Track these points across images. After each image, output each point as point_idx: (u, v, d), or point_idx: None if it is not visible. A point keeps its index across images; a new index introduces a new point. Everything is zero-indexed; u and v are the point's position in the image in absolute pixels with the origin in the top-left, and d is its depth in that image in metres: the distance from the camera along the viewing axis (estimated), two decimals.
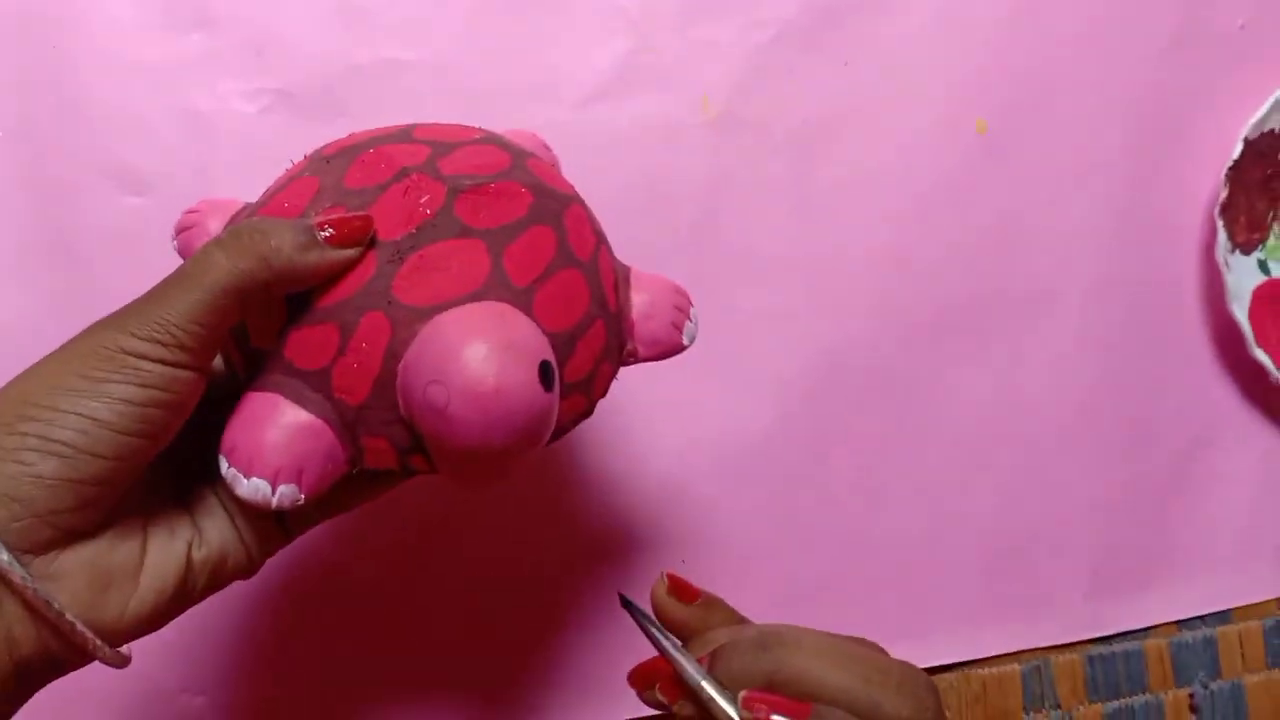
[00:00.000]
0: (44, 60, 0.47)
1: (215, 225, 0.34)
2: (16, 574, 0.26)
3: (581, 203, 0.35)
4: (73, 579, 0.27)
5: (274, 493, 0.29)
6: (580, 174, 0.44)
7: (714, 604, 0.33)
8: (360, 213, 0.30)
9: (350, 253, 0.30)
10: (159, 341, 0.27)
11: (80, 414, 0.26)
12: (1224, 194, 0.50)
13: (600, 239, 0.35)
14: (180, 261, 0.31)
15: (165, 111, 0.47)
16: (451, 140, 0.33)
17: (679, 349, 0.37)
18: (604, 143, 0.50)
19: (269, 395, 0.30)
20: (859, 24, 0.51)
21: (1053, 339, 0.52)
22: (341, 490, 0.32)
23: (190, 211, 0.35)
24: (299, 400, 0.30)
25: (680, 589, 0.33)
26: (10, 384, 0.28)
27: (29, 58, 0.47)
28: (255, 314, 0.30)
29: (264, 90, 0.48)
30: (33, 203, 0.47)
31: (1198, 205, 0.53)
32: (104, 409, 0.27)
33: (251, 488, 0.29)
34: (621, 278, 0.36)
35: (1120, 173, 0.52)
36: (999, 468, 0.51)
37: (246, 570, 0.32)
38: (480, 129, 0.35)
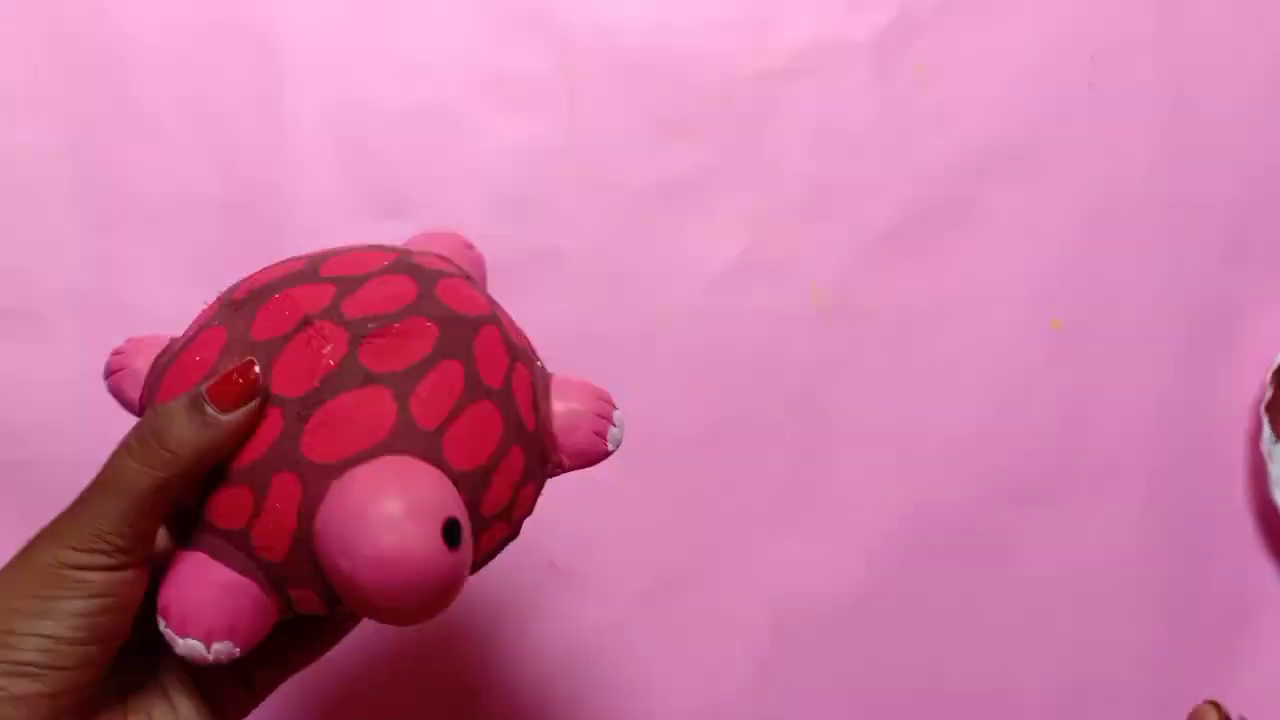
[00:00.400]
0: (253, 231, 0.56)
1: (141, 364, 0.35)
2: None
3: (495, 320, 0.35)
4: None
5: (209, 650, 0.30)
6: (702, 353, 0.52)
7: None
8: (246, 365, 0.30)
9: (243, 411, 0.30)
10: (98, 551, 0.29)
11: (38, 635, 0.28)
12: (1269, 393, 0.57)
13: (515, 355, 0.34)
14: (114, 402, 0.36)
15: None
16: (358, 274, 0.33)
17: (604, 456, 0.36)
18: (724, 326, 0.58)
19: (196, 554, 0.31)
20: (949, 229, 0.59)
21: (1114, 512, 0.59)
22: (294, 646, 0.35)
23: (117, 353, 0.36)
24: (224, 558, 0.30)
25: None
26: None
27: (240, 227, 0.56)
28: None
29: None
30: None
31: (1245, 401, 0.59)
32: (58, 626, 0.28)
33: (187, 647, 0.30)
34: (541, 391, 0.35)
35: (1178, 368, 0.59)
36: (1062, 624, 0.58)
37: None
38: (392, 252, 0.36)
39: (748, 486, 0.57)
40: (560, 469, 0.36)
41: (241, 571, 0.30)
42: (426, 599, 0.29)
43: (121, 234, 0.55)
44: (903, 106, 0.58)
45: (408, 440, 0.30)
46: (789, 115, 0.58)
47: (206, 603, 0.30)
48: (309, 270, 0.34)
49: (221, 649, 0.30)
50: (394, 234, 0.56)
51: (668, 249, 0.58)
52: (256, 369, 0.30)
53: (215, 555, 0.31)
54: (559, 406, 0.35)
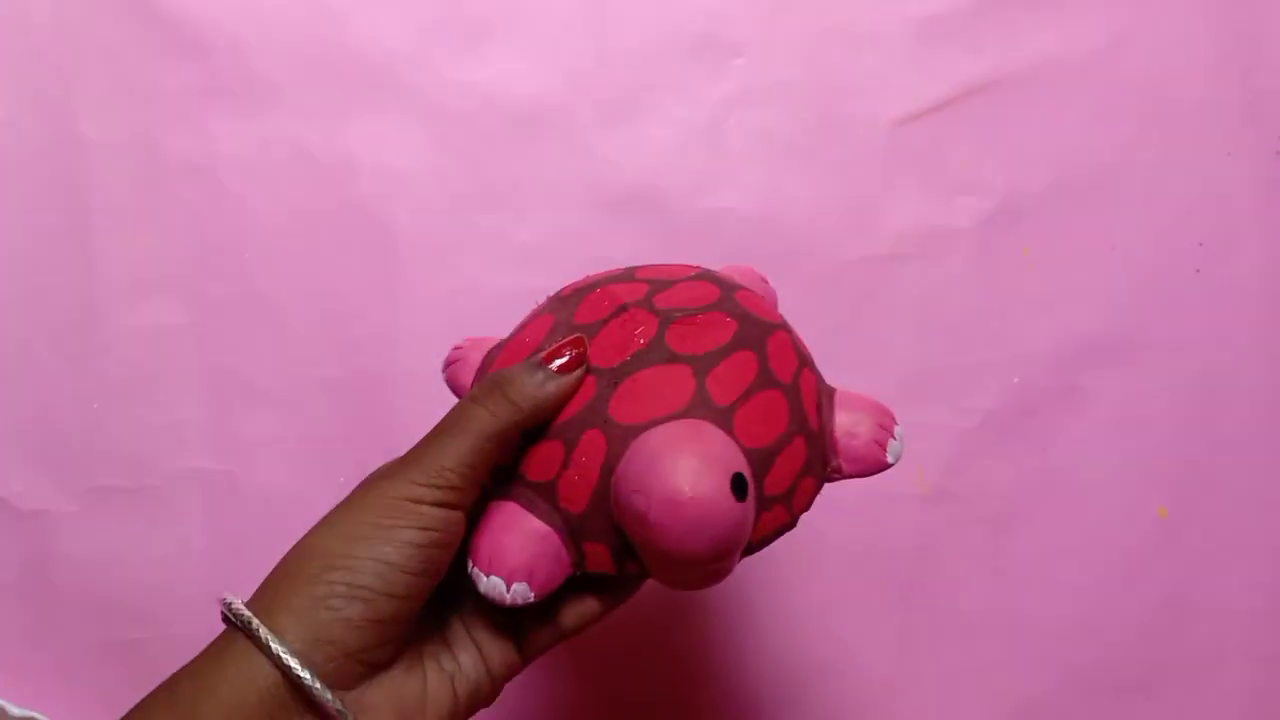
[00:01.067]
0: (380, 418, 0.57)
1: (476, 357, 0.40)
2: (336, 709, 0.30)
3: (787, 329, 0.38)
4: (379, 712, 0.31)
5: (509, 590, 0.32)
6: (804, 534, 0.53)
7: None
8: (579, 340, 0.35)
9: (578, 374, 0.34)
10: (435, 486, 0.31)
11: (376, 559, 0.30)
12: None
13: (804, 362, 0.37)
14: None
15: None
16: (669, 278, 0.38)
17: (883, 466, 0.37)
18: (827, 508, 0.58)
19: (508, 504, 0.34)
20: (1055, 414, 0.59)
21: (1217, 704, 0.58)
22: (570, 609, 0.36)
23: (456, 348, 0.42)
24: (532, 509, 0.34)
25: None
26: (306, 539, 0.32)
27: (355, 409, 0.57)
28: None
29: None
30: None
31: None
32: (395, 553, 0.30)
33: (490, 585, 0.32)
34: (825, 398, 0.37)
35: None
36: None
37: (489, 697, 0.35)
38: (698, 266, 0.40)
39: (847, 669, 0.57)
40: (840, 474, 0.37)
41: (546, 521, 0.34)
42: (712, 541, 0.30)
43: (241, 413, 0.57)
44: (1008, 291, 0.59)
45: (703, 411, 0.33)
46: (893, 299, 0.59)
47: (512, 546, 0.33)
48: (626, 274, 0.39)
49: (520, 590, 0.33)
50: None
51: None
52: (586, 341, 0.35)
53: (525, 505, 0.34)
54: (842, 416, 0.37)
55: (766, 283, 0.44)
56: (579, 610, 0.36)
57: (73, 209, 0.57)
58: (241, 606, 0.31)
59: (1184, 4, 0.59)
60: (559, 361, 0.34)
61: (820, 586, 0.58)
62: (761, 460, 0.33)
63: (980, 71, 0.60)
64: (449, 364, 0.41)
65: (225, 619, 0.31)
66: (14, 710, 0.52)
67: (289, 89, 0.58)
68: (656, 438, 0.32)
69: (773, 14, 0.60)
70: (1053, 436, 0.59)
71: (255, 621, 0.30)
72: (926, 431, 0.58)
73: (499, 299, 0.58)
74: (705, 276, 0.38)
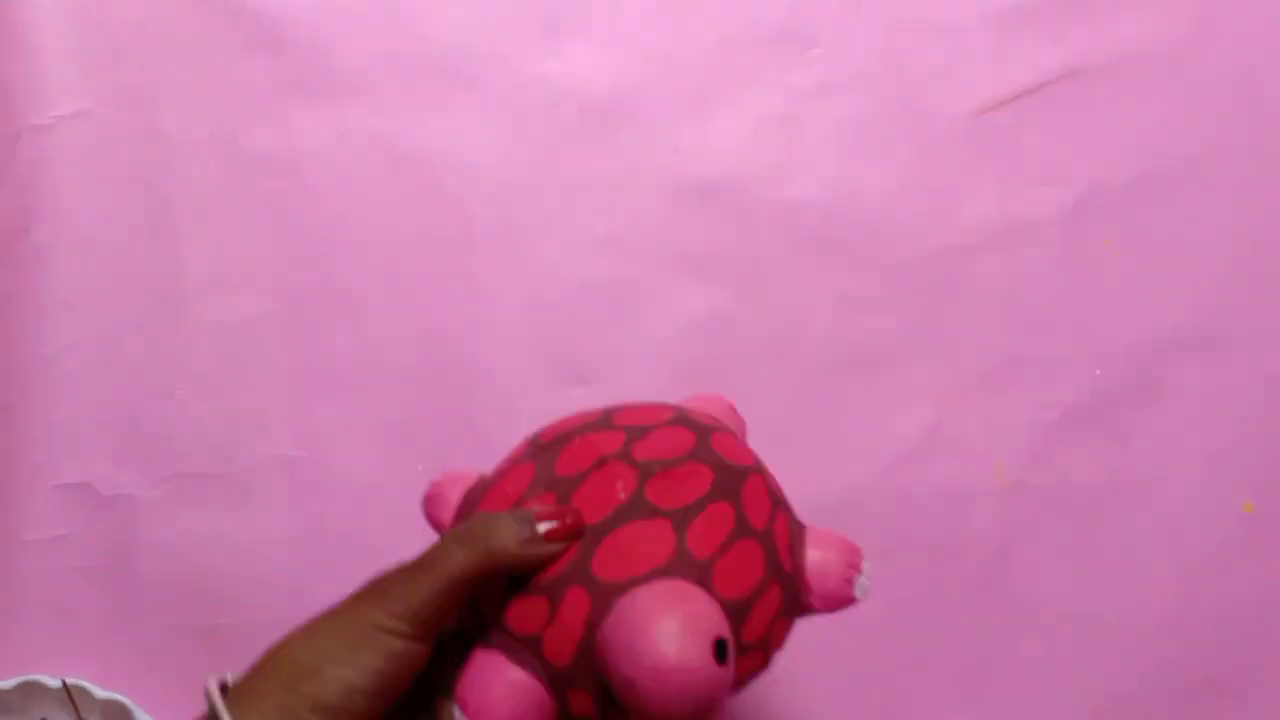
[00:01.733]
0: (459, 406, 0.57)
1: (455, 495, 0.41)
2: None
3: (761, 472, 0.39)
4: None
5: None
6: (882, 529, 0.52)
7: None
8: (574, 513, 0.35)
9: (561, 546, 0.35)
10: (406, 620, 0.33)
11: (341, 681, 0.33)
12: None
13: (777, 505, 0.39)
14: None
15: None
16: (646, 424, 0.38)
17: (850, 602, 0.39)
18: (905, 501, 0.57)
19: (494, 654, 0.35)
20: (1137, 407, 0.58)
21: None
22: None
23: (434, 483, 0.42)
24: (517, 660, 0.35)
25: None
26: (284, 645, 0.34)
27: (434, 395, 0.57)
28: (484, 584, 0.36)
29: None
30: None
31: None
32: (358, 678, 0.33)
33: None
34: (797, 538, 0.39)
35: None
36: None
37: None
38: (672, 407, 0.41)
39: (926, 666, 0.57)
40: (810, 611, 0.39)
41: (531, 673, 0.35)
42: (695, 704, 0.32)
43: (323, 402, 0.57)
44: (1090, 283, 0.58)
45: (683, 567, 0.34)
46: (972, 290, 0.58)
47: (497, 696, 0.35)
48: (604, 420, 0.39)
49: None
50: (583, 401, 0.58)
51: (847, 423, 0.58)
52: (580, 517, 0.36)
53: (510, 656, 0.35)
54: (813, 554, 0.39)
55: (735, 411, 0.45)
56: None
57: (156, 202, 0.58)
58: (218, 697, 0.33)
59: None
60: (548, 526, 0.35)
61: (899, 582, 0.57)
62: (739, 611, 0.35)
63: (1062, 61, 0.59)
64: (427, 499, 0.42)
65: (207, 698, 0.34)
66: (99, 693, 0.52)
67: (368, 83, 0.59)
68: (640, 603, 0.33)
69: (850, 4, 0.60)
70: (1135, 430, 0.58)
71: (224, 715, 0.33)
72: (1006, 424, 0.58)
73: (577, 287, 0.58)
74: (680, 421, 0.39)
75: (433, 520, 0.42)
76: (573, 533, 0.35)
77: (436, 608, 0.34)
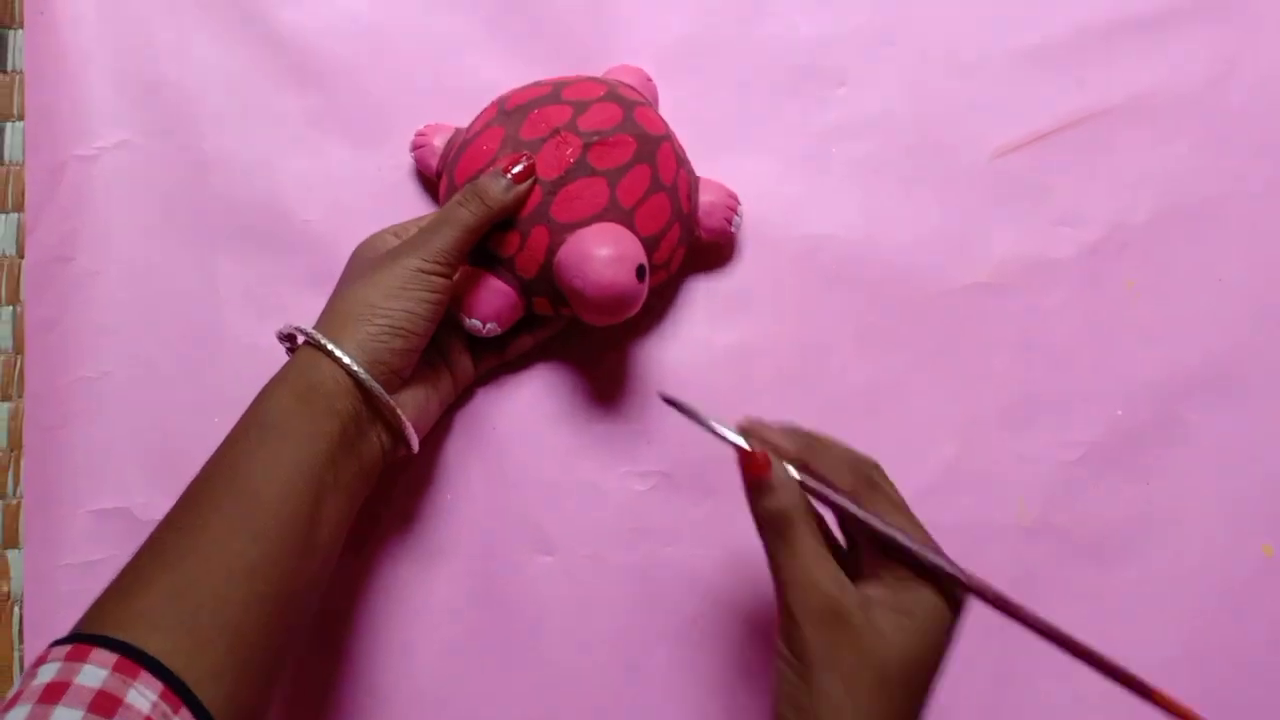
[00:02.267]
0: (485, 441, 0.58)
1: (439, 141, 0.57)
2: (387, 402, 0.46)
3: (669, 139, 0.54)
4: (406, 409, 0.48)
5: (484, 327, 0.52)
6: None
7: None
8: (529, 157, 0.51)
9: (529, 184, 0.51)
10: (439, 262, 0.48)
11: (406, 310, 0.46)
12: None
13: (680, 164, 0.54)
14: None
15: (572, 484, 0.58)
16: (586, 99, 0.52)
17: (729, 235, 0.56)
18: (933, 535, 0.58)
19: (483, 273, 0.52)
20: (1158, 447, 0.58)
21: None
22: (513, 344, 0.56)
23: (420, 134, 0.57)
24: (498, 275, 0.52)
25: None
26: (351, 291, 0.47)
27: (474, 440, 0.58)
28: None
29: (651, 472, 0.58)
30: (469, 563, 0.57)
31: None
32: (417, 306, 0.47)
33: (471, 325, 0.52)
34: (694, 186, 0.55)
35: None
36: None
37: (451, 397, 0.55)
38: (605, 84, 0.54)
39: (944, 706, 0.57)
40: (700, 241, 0.56)
41: (507, 283, 0.52)
42: (623, 308, 0.50)
43: None
44: (1111, 323, 0.59)
45: (615, 213, 0.51)
46: (994, 328, 0.59)
47: (487, 299, 0.52)
48: (554, 95, 0.53)
49: (492, 327, 0.52)
50: (603, 438, 0.58)
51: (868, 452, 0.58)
52: (533, 158, 0.51)
53: (493, 273, 0.52)
54: (704, 198, 0.56)
55: (650, 81, 0.58)
56: (517, 344, 0.56)
57: (196, 229, 0.60)
58: (317, 334, 0.46)
59: None
60: (516, 170, 0.50)
61: None
62: (651, 243, 0.52)
63: (1083, 102, 0.60)
64: (416, 147, 0.57)
65: (297, 343, 0.48)
66: None
67: (407, 117, 0.60)
68: (587, 236, 0.49)
69: (875, 44, 0.61)
70: (1156, 470, 0.58)
71: (329, 344, 0.45)
72: (1028, 462, 0.58)
73: None
74: (612, 97, 0.53)
75: (421, 163, 0.58)
76: (531, 172, 0.51)
77: (458, 250, 0.49)
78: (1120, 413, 0.58)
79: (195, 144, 0.60)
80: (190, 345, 0.59)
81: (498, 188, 0.50)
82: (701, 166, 0.60)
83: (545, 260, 0.51)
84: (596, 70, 0.59)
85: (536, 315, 0.54)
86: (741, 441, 0.42)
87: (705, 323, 0.59)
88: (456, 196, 0.50)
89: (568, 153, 0.51)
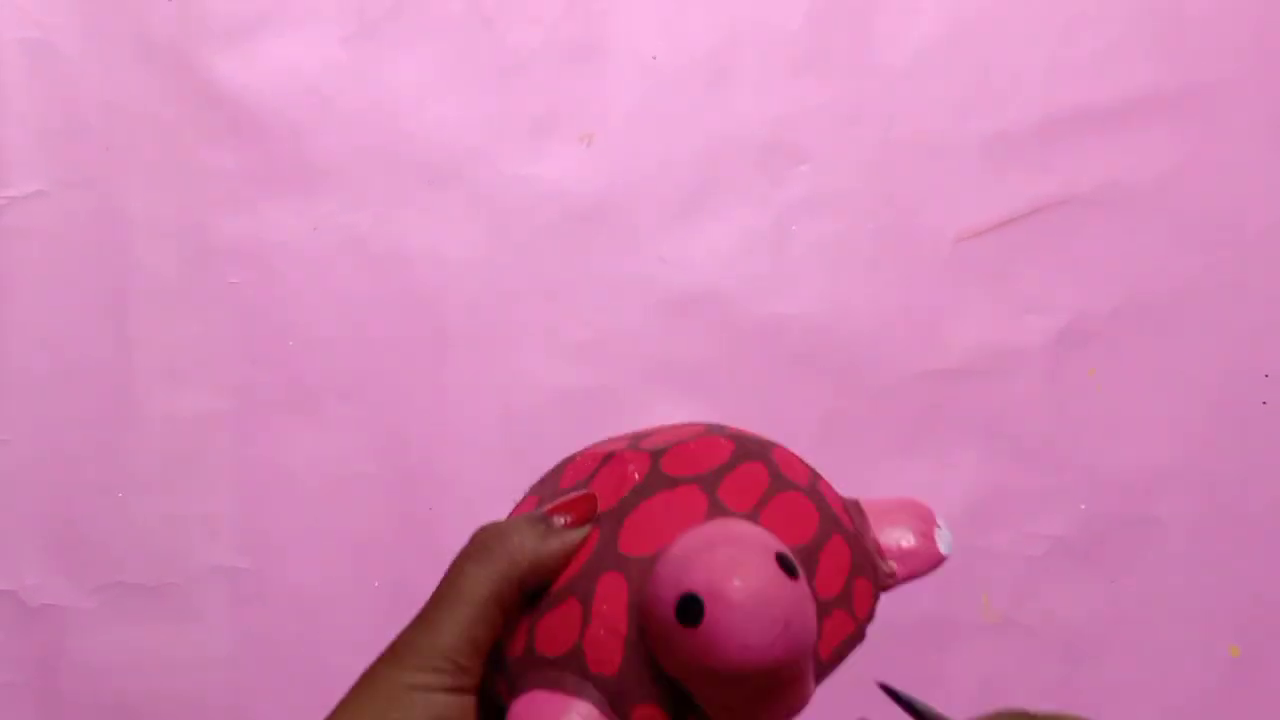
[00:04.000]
0: (422, 519, 0.54)
1: None
2: None
3: (788, 452, 0.34)
4: None
5: None
6: (861, 661, 0.49)
7: None
8: (587, 495, 0.31)
9: (585, 531, 0.30)
10: (440, 670, 0.28)
11: None
12: None
13: (816, 474, 0.33)
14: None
15: None
16: (648, 432, 0.34)
17: (939, 559, 0.34)
18: (885, 634, 0.55)
19: (529, 695, 0.28)
20: (1125, 544, 0.56)
21: None
22: None
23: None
24: (558, 688, 0.28)
25: None
26: None
27: (397, 508, 0.54)
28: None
29: None
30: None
31: None
32: None
33: None
34: (851, 506, 0.34)
35: None
36: None
37: None
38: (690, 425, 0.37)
39: None
40: (894, 579, 0.33)
41: (580, 698, 0.28)
42: (779, 636, 0.26)
43: (275, 508, 0.54)
44: (1076, 414, 0.57)
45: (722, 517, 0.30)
46: (959, 417, 0.57)
47: None
48: (603, 441, 0.35)
49: None
50: None
51: None
52: (595, 499, 0.31)
53: (548, 688, 0.28)
54: (877, 520, 0.33)
55: None
56: None
57: (113, 288, 0.55)
58: None
59: (1253, 130, 0.59)
60: (564, 518, 0.30)
61: (881, 716, 0.54)
62: (803, 557, 0.29)
63: (1048, 190, 0.59)
64: None
65: None
66: None
67: (346, 176, 0.57)
68: (681, 545, 0.28)
69: (840, 123, 0.60)
70: (1122, 567, 0.56)
71: None
72: (993, 557, 0.56)
73: (553, 396, 0.56)
74: (687, 425, 0.35)
75: None
76: (591, 512, 0.30)
77: (470, 643, 0.28)
78: (1084, 507, 0.56)
79: (118, 198, 0.56)
80: (98, 413, 0.54)
81: (530, 532, 0.30)
82: (658, 239, 0.58)
83: (631, 629, 0.29)
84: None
85: None
86: None
87: (663, 400, 0.57)
88: (461, 553, 0.30)
89: (630, 469, 0.31)
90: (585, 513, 0.30)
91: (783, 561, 0.27)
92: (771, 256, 0.58)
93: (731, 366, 0.57)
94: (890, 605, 0.55)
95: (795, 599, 0.27)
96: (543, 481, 0.34)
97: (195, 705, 0.52)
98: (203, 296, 0.55)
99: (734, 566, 0.26)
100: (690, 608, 0.26)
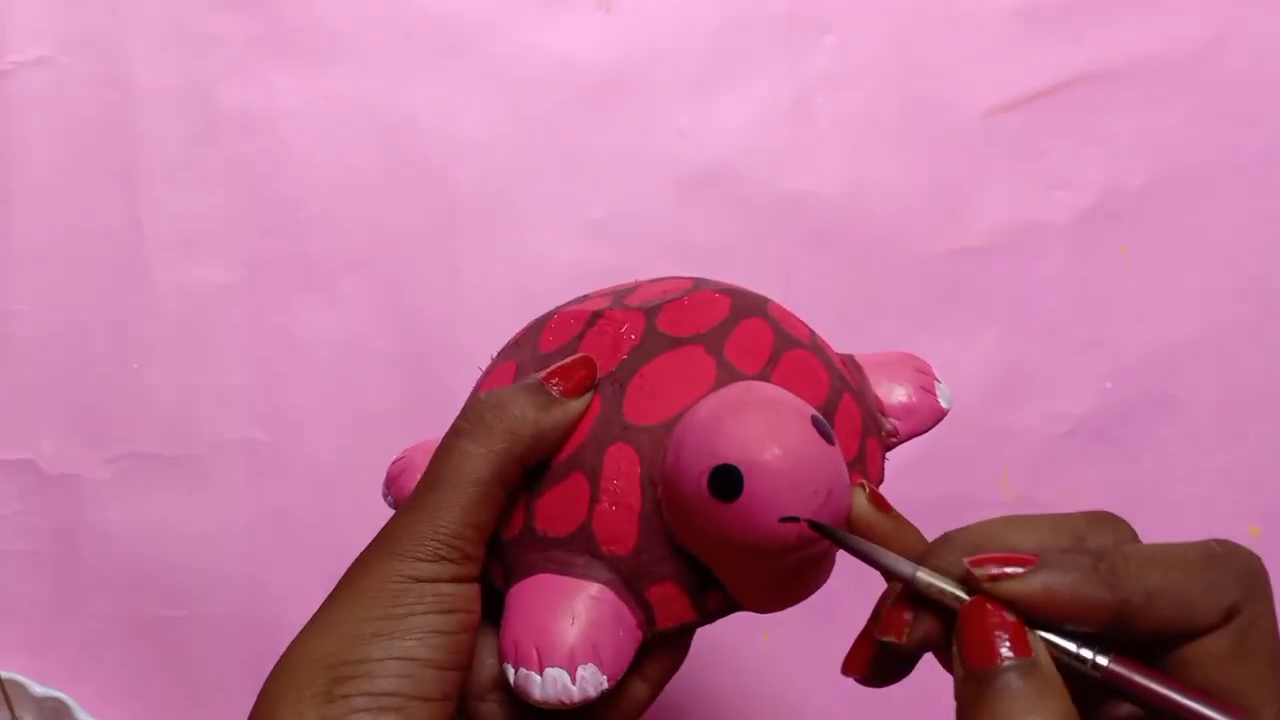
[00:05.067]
0: (436, 395, 0.54)
1: (422, 459, 0.30)
2: None
3: (778, 305, 0.32)
4: None
5: (574, 679, 0.25)
6: None
7: (904, 522, 0.28)
8: (585, 358, 0.28)
9: (586, 399, 0.27)
10: (445, 559, 0.25)
11: (399, 658, 0.24)
12: None
13: (811, 329, 0.32)
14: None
15: None
16: (631, 287, 0.32)
17: (940, 414, 0.33)
18: (904, 513, 0.55)
19: (533, 579, 0.27)
20: (1144, 423, 0.56)
21: None
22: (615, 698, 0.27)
23: (397, 460, 0.34)
24: (567, 571, 0.26)
25: (878, 500, 0.27)
26: (301, 648, 0.25)
27: (411, 382, 0.54)
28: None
29: None
30: None
31: None
32: (420, 647, 0.24)
33: (549, 681, 0.25)
34: (849, 361, 0.33)
35: None
36: None
37: None
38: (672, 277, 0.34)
39: (929, 697, 0.54)
40: (896, 438, 0.32)
41: (590, 580, 0.26)
42: (817, 499, 0.24)
43: (290, 382, 0.53)
44: (1103, 292, 0.56)
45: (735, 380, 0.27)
46: (982, 295, 0.56)
47: (560, 624, 0.25)
48: (578, 300, 0.32)
49: (588, 674, 0.25)
50: None
51: None
52: (594, 361, 0.28)
53: (556, 571, 0.26)
54: (874, 374, 0.32)
55: None
56: (626, 700, 0.28)
57: (120, 157, 0.54)
58: None
59: None
60: (558, 385, 0.27)
61: None
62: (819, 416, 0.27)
63: (1079, 63, 0.57)
64: (391, 480, 0.33)
65: None
66: (36, 689, 0.48)
67: (355, 43, 0.55)
68: (707, 410, 0.26)
69: None
70: (1145, 446, 0.56)
71: None
72: (1013, 436, 0.55)
73: (566, 273, 0.55)
74: (664, 277, 0.33)
75: (400, 496, 0.33)
76: (591, 378, 0.27)
77: (474, 528, 0.26)
78: (1110, 385, 0.55)
79: (123, 65, 0.55)
80: (110, 282, 0.53)
81: (531, 402, 0.27)
82: (676, 112, 0.57)
83: (646, 504, 0.26)
84: None
85: (658, 633, 0.27)
86: (955, 590, 0.25)
87: None
88: (454, 424, 0.28)
89: (622, 330, 0.29)
90: (584, 379, 0.28)
91: (818, 425, 0.25)
92: (792, 130, 0.56)
93: (751, 243, 0.56)
94: (908, 483, 0.55)
95: (835, 465, 0.25)
96: (518, 345, 0.32)
97: (212, 574, 0.52)
98: (211, 166, 0.54)
99: (771, 433, 0.24)
100: (725, 480, 0.24)
